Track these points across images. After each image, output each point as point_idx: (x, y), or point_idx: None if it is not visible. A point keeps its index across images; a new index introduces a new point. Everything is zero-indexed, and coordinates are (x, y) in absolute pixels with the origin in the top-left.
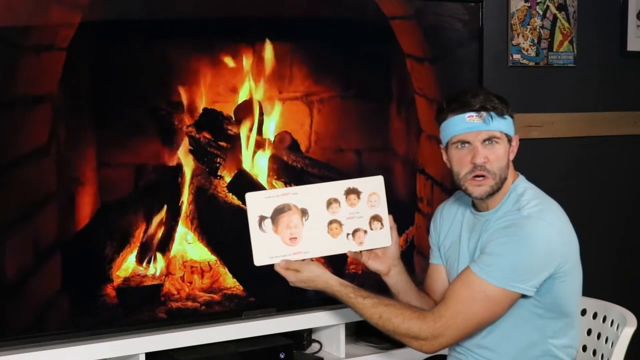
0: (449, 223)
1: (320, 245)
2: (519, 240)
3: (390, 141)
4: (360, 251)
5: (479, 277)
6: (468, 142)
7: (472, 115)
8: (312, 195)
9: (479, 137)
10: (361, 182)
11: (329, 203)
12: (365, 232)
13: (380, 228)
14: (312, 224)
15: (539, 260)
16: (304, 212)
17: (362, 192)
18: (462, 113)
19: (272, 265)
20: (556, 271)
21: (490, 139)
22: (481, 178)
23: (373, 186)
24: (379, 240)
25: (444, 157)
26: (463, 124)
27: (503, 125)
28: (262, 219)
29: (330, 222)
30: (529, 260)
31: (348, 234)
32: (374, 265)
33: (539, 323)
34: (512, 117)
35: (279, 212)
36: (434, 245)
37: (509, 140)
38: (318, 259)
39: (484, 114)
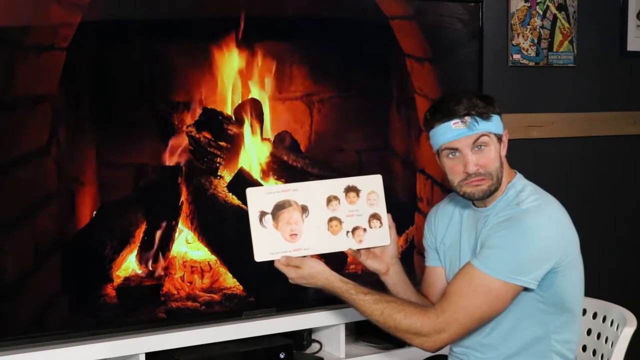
0: (446, 223)
1: (321, 242)
2: (518, 232)
3: (390, 141)
4: (359, 250)
5: (480, 271)
6: (457, 150)
7: (457, 122)
8: (312, 192)
9: (467, 143)
10: (360, 180)
11: (329, 200)
12: (365, 230)
13: (379, 226)
14: (312, 221)
15: (540, 253)
16: (304, 209)
17: (361, 190)
18: (448, 121)
19: (271, 263)
20: (557, 265)
21: (479, 144)
22: (477, 179)
23: (372, 185)
24: (378, 239)
25: (438, 162)
26: (450, 132)
27: (490, 126)
28: (262, 214)
29: (330, 220)
30: (530, 252)
31: (348, 232)
32: (372, 264)
33: (542, 318)
34: (499, 114)
35: (279, 208)
36: (429, 248)
37: (499, 138)
38: (318, 257)
39: (468, 119)
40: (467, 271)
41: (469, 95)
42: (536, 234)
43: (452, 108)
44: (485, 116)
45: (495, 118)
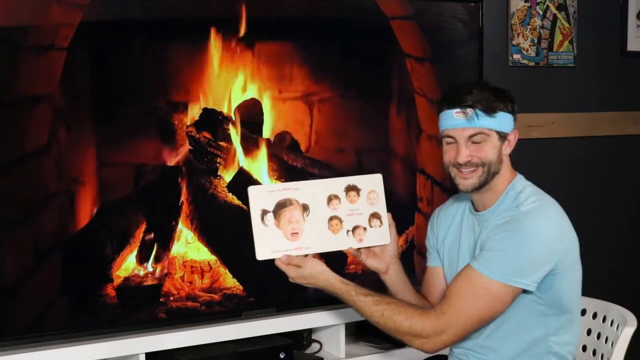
0: (447, 225)
1: (321, 241)
2: (518, 235)
3: (390, 141)
4: (359, 249)
5: (480, 273)
6: (454, 139)
7: (459, 112)
8: (313, 191)
9: (463, 135)
10: (360, 179)
11: (330, 199)
12: (365, 229)
13: (379, 226)
14: (313, 220)
15: (539, 255)
16: (305, 208)
17: (362, 189)
18: (452, 108)
19: (272, 262)
20: (557, 266)
21: (476, 139)
22: (468, 171)
23: (372, 184)
24: (378, 238)
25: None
26: (450, 120)
27: (492, 122)
28: (264, 213)
29: (331, 219)
30: (529, 254)
31: (348, 231)
32: (372, 263)
33: (541, 320)
34: (510, 112)
35: (280, 206)
36: (431, 248)
37: (502, 136)
38: (319, 257)
39: (469, 111)
40: (467, 273)
41: (482, 87)
42: (536, 236)
43: (459, 96)
44: (489, 112)
45: (502, 115)
